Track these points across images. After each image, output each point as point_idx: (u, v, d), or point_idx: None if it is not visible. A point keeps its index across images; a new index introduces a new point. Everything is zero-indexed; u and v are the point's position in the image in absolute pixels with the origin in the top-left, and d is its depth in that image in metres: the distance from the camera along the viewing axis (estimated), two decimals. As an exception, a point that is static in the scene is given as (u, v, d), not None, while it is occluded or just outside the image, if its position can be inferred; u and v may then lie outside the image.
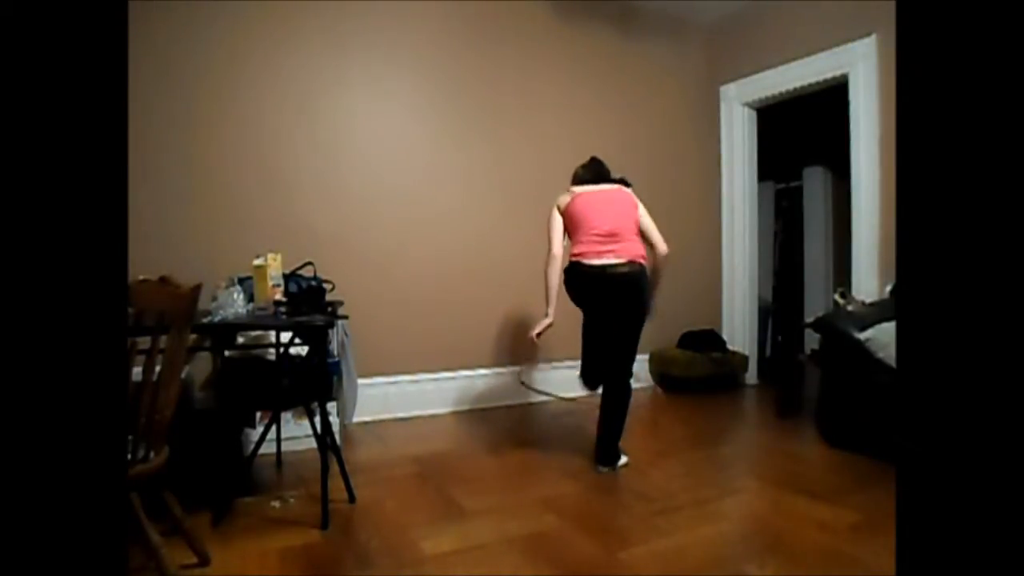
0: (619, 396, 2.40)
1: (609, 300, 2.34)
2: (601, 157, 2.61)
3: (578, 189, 2.46)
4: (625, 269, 2.31)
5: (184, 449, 1.65)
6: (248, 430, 2.38)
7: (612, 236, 2.34)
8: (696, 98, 4.35)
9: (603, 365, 2.44)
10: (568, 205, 2.43)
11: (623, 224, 2.38)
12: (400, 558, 1.66)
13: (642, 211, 2.46)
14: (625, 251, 2.33)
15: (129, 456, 1.33)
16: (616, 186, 2.48)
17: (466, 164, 3.48)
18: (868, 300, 3.05)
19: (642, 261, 2.36)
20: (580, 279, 2.37)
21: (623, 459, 2.44)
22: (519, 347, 3.55)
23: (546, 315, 2.42)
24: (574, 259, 2.38)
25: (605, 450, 2.41)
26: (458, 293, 3.46)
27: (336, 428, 2.37)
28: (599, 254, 2.32)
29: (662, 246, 2.46)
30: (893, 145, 2.90)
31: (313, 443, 2.30)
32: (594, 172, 2.53)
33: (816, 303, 5.06)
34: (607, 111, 3.94)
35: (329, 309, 2.01)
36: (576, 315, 2.47)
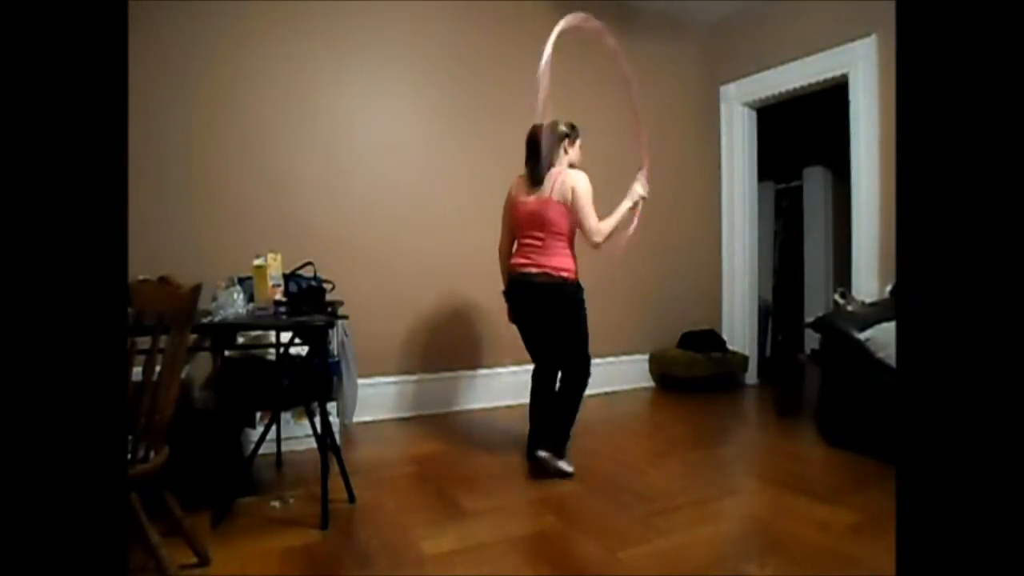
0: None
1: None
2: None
3: None
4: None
5: (184, 449, 1.65)
6: (248, 430, 2.38)
7: None
8: (696, 98, 4.35)
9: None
10: None
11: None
12: (400, 558, 1.66)
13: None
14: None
15: (129, 456, 1.33)
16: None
17: (466, 163, 3.48)
18: (868, 300, 3.06)
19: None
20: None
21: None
22: (518, 346, 3.54)
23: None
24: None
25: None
26: (458, 292, 3.46)
27: (336, 428, 2.37)
28: None
29: None
30: (893, 145, 2.90)
31: (313, 443, 2.30)
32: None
33: (816, 303, 5.07)
34: (607, 111, 3.94)
35: (329, 309, 2.00)
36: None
